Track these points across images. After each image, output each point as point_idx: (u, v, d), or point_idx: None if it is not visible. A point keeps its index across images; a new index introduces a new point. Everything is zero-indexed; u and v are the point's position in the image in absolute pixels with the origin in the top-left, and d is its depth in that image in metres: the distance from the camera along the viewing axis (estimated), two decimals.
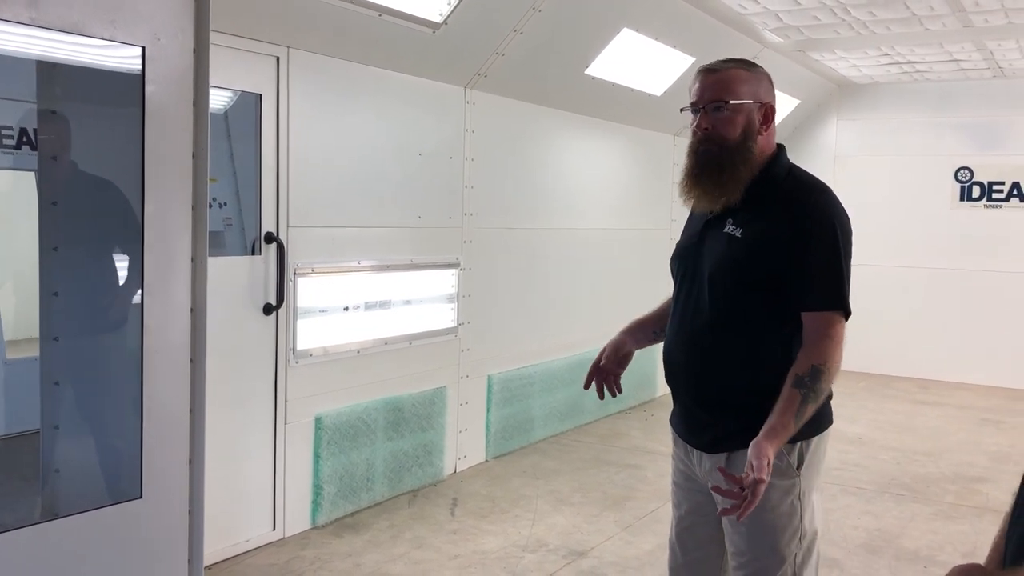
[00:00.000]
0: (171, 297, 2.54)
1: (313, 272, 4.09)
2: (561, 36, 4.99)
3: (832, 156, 8.69)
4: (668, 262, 2.38)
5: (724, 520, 2.18)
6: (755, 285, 2.10)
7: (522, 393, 5.59)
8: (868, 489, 5.02)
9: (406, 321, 4.67)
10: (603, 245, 6.36)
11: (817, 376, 2.01)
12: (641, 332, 2.48)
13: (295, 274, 3.99)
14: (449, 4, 4.20)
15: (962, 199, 8.26)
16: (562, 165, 5.89)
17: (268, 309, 3.88)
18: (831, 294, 2.07)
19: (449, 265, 4.94)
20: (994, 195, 8.15)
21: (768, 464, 1.90)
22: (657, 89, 6.23)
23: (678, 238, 2.39)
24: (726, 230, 2.15)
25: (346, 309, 4.30)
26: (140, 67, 2.45)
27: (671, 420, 2.35)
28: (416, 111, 4.63)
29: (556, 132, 5.78)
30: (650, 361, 6.97)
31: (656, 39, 5.61)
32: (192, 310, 2.58)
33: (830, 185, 2.23)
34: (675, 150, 7.19)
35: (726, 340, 2.13)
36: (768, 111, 2.15)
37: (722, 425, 2.15)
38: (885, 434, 6.31)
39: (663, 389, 7.17)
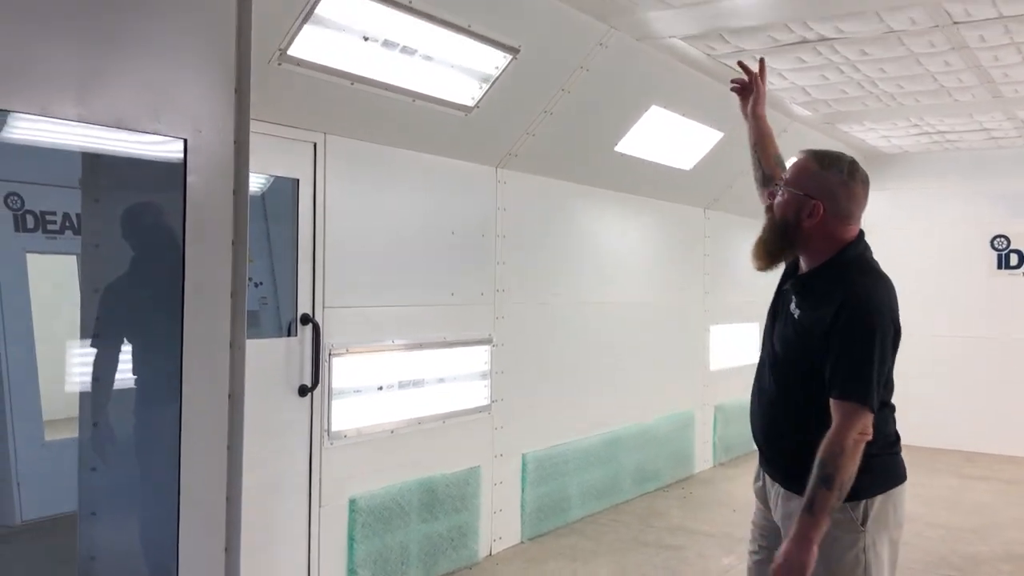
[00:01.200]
0: (209, 383, 2.55)
1: (348, 352, 4.10)
2: (590, 115, 5.06)
3: (863, 226, 8.60)
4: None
5: None
6: (805, 363, 2.25)
7: (557, 472, 5.50)
8: (915, 568, 4.83)
9: (439, 399, 4.65)
10: (636, 319, 6.33)
11: (822, 466, 2.13)
12: (759, 125, 2.97)
13: (330, 355, 4.00)
14: (481, 88, 4.30)
15: (1000, 267, 8.15)
16: (593, 240, 5.91)
17: (303, 391, 3.89)
18: (850, 384, 2.16)
19: (482, 341, 4.94)
20: None
21: (796, 567, 2.12)
22: (687, 164, 6.28)
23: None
24: (790, 308, 2.37)
25: (380, 389, 4.30)
26: (182, 158, 2.52)
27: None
28: (449, 191, 4.70)
29: (586, 208, 5.82)
30: (687, 440, 6.87)
31: (684, 116, 5.67)
32: (230, 396, 2.59)
33: None
34: (706, 223, 7.19)
35: (783, 408, 2.35)
36: (815, 208, 2.33)
37: (783, 470, 2.37)
38: (931, 510, 6.11)
39: (700, 466, 7.05)
